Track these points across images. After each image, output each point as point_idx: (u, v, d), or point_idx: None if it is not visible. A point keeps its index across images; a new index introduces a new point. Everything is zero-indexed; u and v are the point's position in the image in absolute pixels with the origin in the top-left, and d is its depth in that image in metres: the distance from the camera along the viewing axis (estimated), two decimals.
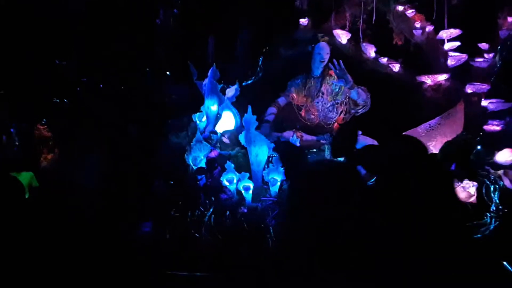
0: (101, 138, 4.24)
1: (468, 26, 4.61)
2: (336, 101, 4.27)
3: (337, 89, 4.27)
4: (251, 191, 3.14)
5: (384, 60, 5.02)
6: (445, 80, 4.70)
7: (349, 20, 5.22)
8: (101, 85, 4.59)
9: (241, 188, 3.15)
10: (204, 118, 4.26)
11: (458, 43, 4.75)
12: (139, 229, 3.16)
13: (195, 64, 4.48)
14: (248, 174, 3.18)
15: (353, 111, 4.21)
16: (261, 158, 3.33)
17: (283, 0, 5.09)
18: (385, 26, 5.06)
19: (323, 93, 4.30)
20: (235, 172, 3.25)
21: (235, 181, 3.21)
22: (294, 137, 3.51)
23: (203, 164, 3.29)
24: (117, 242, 3.08)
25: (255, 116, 3.30)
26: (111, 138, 4.25)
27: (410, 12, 4.81)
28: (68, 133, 4.22)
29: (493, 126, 3.83)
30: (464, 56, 4.61)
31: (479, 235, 2.72)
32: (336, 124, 4.27)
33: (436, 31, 4.78)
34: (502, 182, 3.09)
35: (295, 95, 4.34)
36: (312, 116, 4.30)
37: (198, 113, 4.32)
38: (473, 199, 3.02)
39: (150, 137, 4.33)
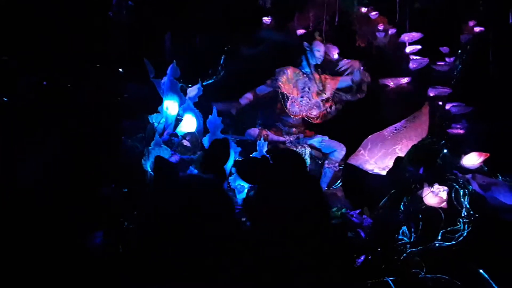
0: (43, 140, 3.82)
1: (430, 29, 4.62)
2: (321, 98, 4.23)
3: (321, 87, 4.25)
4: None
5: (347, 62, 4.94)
6: (407, 83, 4.69)
7: (312, 21, 5.11)
8: (45, 82, 4.18)
9: None
10: (163, 120, 3.96)
11: (419, 47, 4.77)
12: (88, 241, 2.82)
13: (152, 62, 4.16)
14: None
15: (348, 97, 4.22)
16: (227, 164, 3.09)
17: None
18: (348, 27, 5.00)
19: (309, 89, 4.22)
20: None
21: None
22: (262, 141, 3.29)
23: None
24: (60, 254, 2.74)
25: (220, 118, 3.06)
26: (54, 140, 3.84)
27: (373, 14, 4.76)
28: (6, 133, 3.78)
29: (457, 130, 3.84)
30: (425, 60, 4.63)
31: (453, 242, 2.64)
32: (318, 120, 4.19)
33: (399, 34, 4.76)
34: (471, 187, 3.04)
35: (282, 84, 4.17)
36: (296, 109, 4.20)
37: (155, 114, 4.02)
38: (444, 204, 2.95)
39: (99, 139, 3.97)
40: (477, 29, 4.39)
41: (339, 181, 4.41)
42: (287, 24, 5.16)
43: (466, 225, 2.74)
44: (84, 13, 4.00)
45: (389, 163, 3.96)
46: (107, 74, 4.50)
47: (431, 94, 4.44)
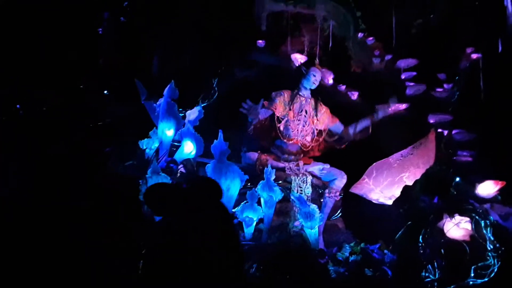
0: (20, 170, 3.43)
1: (426, 56, 4.58)
2: (316, 127, 4.07)
3: (319, 115, 4.06)
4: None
5: (342, 87, 4.83)
6: (405, 109, 4.58)
7: (307, 45, 5.00)
8: (18, 105, 3.83)
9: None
10: (155, 145, 3.65)
11: (414, 73, 4.71)
12: None
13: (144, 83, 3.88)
14: None
15: (332, 142, 4.08)
16: (232, 193, 2.80)
17: (241, 19, 4.71)
18: (344, 53, 4.91)
19: (306, 113, 4.02)
20: None
21: None
22: (269, 168, 3.02)
23: None
24: None
25: (227, 143, 2.78)
26: (33, 169, 3.46)
27: (369, 40, 4.68)
28: None
29: (464, 157, 3.72)
30: (423, 86, 4.56)
31: (486, 279, 2.43)
32: (314, 151, 4.00)
33: (395, 60, 4.70)
34: (492, 217, 2.87)
35: (278, 105, 3.96)
36: (291, 132, 3.97)
37: (146, 139, 3.71)
38: (467, 236, 2.75)
39: (84, 167, 3.61)
40: (474, 55, 4.36)
41: (339, 211, 4.17)
42: (281, 47, 5.02)
43: (495, 259, 2.53)
44: (70, 28, 3.70)
45: (396, 192, 3.78)
46: (90, 96, 4.18)
47: (431, 121, 4.34)
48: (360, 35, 4.69)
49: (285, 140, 4.05)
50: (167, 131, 3.25)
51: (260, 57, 4.95)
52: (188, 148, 3.06)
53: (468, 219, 2.83)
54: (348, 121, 4.41)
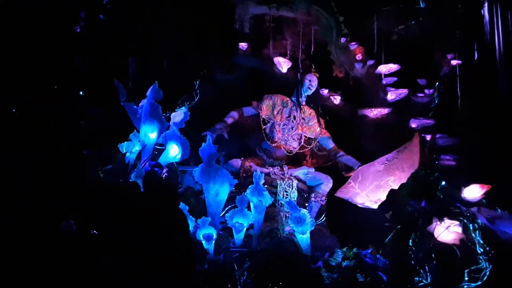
0: None
1: (408, 61, 4.63)
2: (304, 134, 4.04)
3: (309, 124, 4.08)
4: (213, 241, 2.45)
5: (325, 91, 4.82)
6: (387, 114, 4.61)
7: (290, 49, 4.96)
8: None
9: (201, 237, 2.45)
10: (136, 148, 3.49)
11: (395, 78, 4.75)
12: None
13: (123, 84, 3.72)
14: (209, 219, 2.50)
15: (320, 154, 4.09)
16: (221, 198, 2.70)
17: (223, 22, 4.62)
18: (326, 57, 4.90)
19: (294, 118, 3.99)
20: (190, 216, 2.55)
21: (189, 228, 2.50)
22: (258, 173, 2.93)
23: None
24: None
25: (216, 147, 2.67)
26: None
27: (352, 45, 4.69)
28: None
29: (448, 161, 3.76)
30: (404, 91, 4.61)
31: (479, 282, 2.42)
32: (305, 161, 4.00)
33: (377, 65, 4.73)
34: (479, 221, 2.87)
35: (265, 107, 3.98)
36: (275, 135, 3.95)
37: (125, 142, 3.54)
38: (457, 240, 2.74)
39: (58, 171, 3.41)
40: (454, 62, 4.43)
41: (323, 215, 4.13)
42: (264, 51, 4.96)
43: (487, 263, 2.53)
44: (46, 26, 3.50)
45: (382, 196, 3.76)
46: (65, 96, 3.98)
47: (413, 126, 4.38)
48: (342, 39, 4.69)
49: (269, 143, 4.00)
50: (150, 133, 3.10)
51: (242, 60, 4.87)
52: (174, 152, 2.93)
53: (457, 222, 2.82)
54: (330, 126, 4.42)
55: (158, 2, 4.14)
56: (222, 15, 4.67)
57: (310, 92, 4.04)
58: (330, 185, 4.00)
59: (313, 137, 4.08)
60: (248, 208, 2.79)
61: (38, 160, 3.44)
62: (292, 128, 4.05)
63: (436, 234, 2.83)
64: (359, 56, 4.76)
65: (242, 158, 3.85)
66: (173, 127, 2.99)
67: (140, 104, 3.24)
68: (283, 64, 4.85)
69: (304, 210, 2.82)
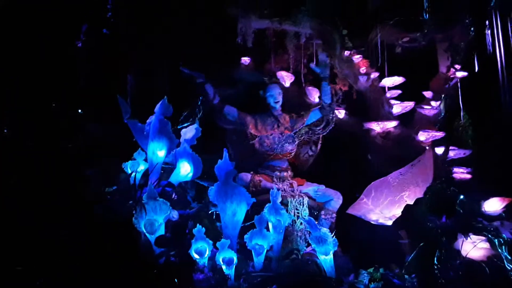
0: None
1: (412, 74, 4.58)
2: (294, 131, 3.95)
3: (294, 123, 3.95)
4: (234, 266, 2.29)
5: None
6: (394, 127, 4.53)
7: (292, 63, 4.87)
8: None
9: (220, 261, 2.28)
10: (141, 168, 3.33)
11: (399, 91, 4.69)
12: None
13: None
14: (228, 242, 2.33)
15: (320, 131, 3.97)
16: (238, 218, 2.54)
17: (225, 36, 4.51)
18: (330, 71, 4.81)
19: (278, 126, 3.93)
20: (207, 239, 2.38)
21: (207, 252, 2.33)
22: (275, 190, 2.78)
23: (162, 231, 2.34)
24: None
25: (233, 163, 2.53)
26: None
27: (356, 58, 4.62)
28: None
29: (462, 174, 3.67)
30: (410, 104, 4.53)
31: None
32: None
33: (381, 78, 4.66)
34: (504, 235, 2.77)
35: (251, 124, 3.90)
36: (267, 149, 3.84)
37: (130, 161, 3.40)
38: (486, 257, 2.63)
39: (56, 191, 3.25)
40: (459, 74, 4.40)
41: (333, 233, 3.98)
42: (266, 65, 4.87)
43: None
44: (45, 39, 3.35)
45: (397, 211, 3.64)
46: (63, 115, 3.83)
47: (422, 138, 4.30)
48: (346, 53, 4.62)
49: (265, 156, 3.87)
50: (159, 151, 2.94)
51: (244, 75, 4.77)
52: (185, 170, 2.77)
53: (484, 238, 2.71)
54: (335, 140, 4.32)
55: (160, 16, 4.03)
56: (224, 30, 4.57)
57: (279, 103, 3.95)
58: (340, 201, 3.87)
59: (301, 127, 3.99)
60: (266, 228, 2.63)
61: (33, 180, 3.27)
62: (281, 134, 3.94)
63: (462, 250, 2.72)
64: (363, 69, 4.68)
65: (252, 172, 3.72)
66: (184, 144, 2.84)
67: (147, 121, 3.09)
68: (286, 79, 4.76)
69: (325, 229, 2.67)
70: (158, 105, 2.94)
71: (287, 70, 4.81)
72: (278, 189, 3.64)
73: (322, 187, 3.88)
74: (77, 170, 3.44)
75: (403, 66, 4.68)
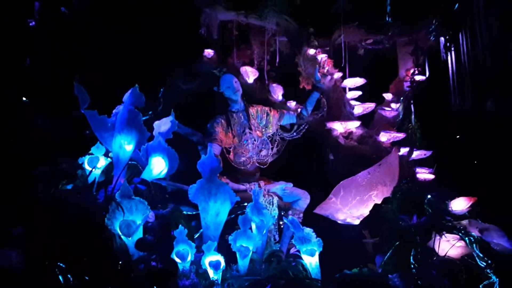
0: None
1: (374, 75, 4.67)
2: (267, 134, 3.77)
3: (264, 122, 3.79)
4: (222, 269, 2.10)
5: (292, 104, 4.68)
6: (356, 127, 4.58)
7: (256, 58, 4.76)
8: None
9: (207, 265, 2.09)
10: (102, 163, 3.02)
11: (360, 92, 4.76)
12: None
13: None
14: (215, 244, 2.15)
15: (287, 136, 3.81)
16: (222, 218, 2.36)
17: (188, 26, 4.28)
18: (294, 68, 4.77)
19: (250, 129, 3.65)
20: (189, 241, 2.18)
21: (189, 256, 2.13)
22: (256, 188, 2.64)
23: (140, 233, 2.10)
24: None
25: (218, 160, 2.34)
26: None
27: (322, 57, 4.61)
28: None
29: (426, 174, 3.77)
30: (372, 105, 4.61)
31: None
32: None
33: (344, 78, 4.70)
34: (474, 233, 2.87)
35: (222, 136, 3.52)
36: (243, 159, 3.65)
37: (88, 156, 3.07)
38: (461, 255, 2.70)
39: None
40: (418, 77, 4.55)
41: None
42: (229, 59, 4.71)
43: (494, 276, 2.50)
44: None
45: (365, 211, 3.66)
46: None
47: (383, 139, 4.38)
48: (311, 51, 4.59)
49: (241, 168, 3.69)
50: (127, 145, 2.66)
51: (206, 68, 4.57)
52: (160, 166, 2.52)
53: (458, 237, 2.78)
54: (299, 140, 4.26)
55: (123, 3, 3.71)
56: (188, 19, 4.33)
57: (240, 90, 3.67)
58: (308, 201, 3.82)
59: (274, 131, 3.83)
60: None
61: None
62: (254, 140, 3.76)
63: (439, 249, 2.76)
64: (326, 69, 4.68)
65: (218, 175, 3.51)
66: (158, 138, 2.58)
67: (114, 111, 2.78)
68: (250, 74, 4.63)
69: (309, 229, 2.57)
70: (127, 94, 2.65)
71: (251, 65, 4.69)
72: (246, 190, 3.50)
73: (290, 185, 3.80)
74: (24, 167, 3.05)
75: (364, 67, 4.76)
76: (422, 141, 4.36)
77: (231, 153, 3.56)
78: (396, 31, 4.27)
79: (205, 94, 4.47)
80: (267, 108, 3.85)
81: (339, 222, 3.80)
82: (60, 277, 2.19)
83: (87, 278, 2.11)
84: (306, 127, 3.84)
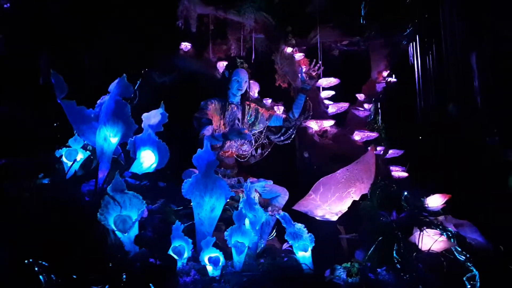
0: None
1: (348, 76, 4.78)
2: (254, 131, 3.70)
3: (253, 119, 3.71)
4: (221, 265, 2.06)
5: (268, 101, 4.69)
6: (330, 126, 4.67)
7: (233, 54, 4.71)
8: None
9: (206, 261, 2.03)
10: (80, 156, 2.86)
11: (333, 92, 4.86)
12: None
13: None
14: (214, 239, 2.09)
15: (275, 139, 3.71)
16: (216, 213, 2.31)
17: (166, 18, 4.16)
18: (270, 66, 4.78)
19: (239, 121, 3.63)
20: (185, 237, 2.11)
21: (186, 254, 2.07)
22: (248, 184, 2.60)
23: (136, 229, 2.00)
24: None
25: (214, 153, 2.28)
26: None
27: (299, 56, 4.65)
28: None
29: (399, 172, 3.91)
30: (346, 105, 4.72)
31: None
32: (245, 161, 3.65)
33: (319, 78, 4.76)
34: (451, 229, 3.01)
35: (212, 114, 3.49)
36: (224, 144, 3.54)
37: (65, 148, 2.90)
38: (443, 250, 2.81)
39: None
40: (389, 79, 4.71)
41: (274, 230, 3.92)
42: (205, 54, 4.63)
43: (475, 269, 2.63)
44: None
45: (343, 207, 3.73)
46: None
47: (357, 138, 4.50)
48: (288, 50, 4.61)
49: (221, 153, 3.64)
50: (112, 138, 2.53)
51: (182, 62, 4.46)
52: (149, 160, 2.41)
53: (438, 232, 2.89)
54: None
55: None
56: (164, 14, 4.21)
57: (243, 90, 3.62)
58: (287, 197, 3.81)
59: (262, 129, 3.74)
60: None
61: None
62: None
63: (422, 244, 2.86)
64: (302, 67, 4.71)
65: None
66: (148, 130, 2.47)
67: (98, 101, 2.64)
68: None
69: (300, 224, 2.57)
70: (113, 84, 2.52)
71: (227, 59, 4.63)
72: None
73: (270, 182, 3.77)
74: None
75: (338, 67, 4.86)
76: (388, 141, 4.50)
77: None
78: (372, 33, 4.38)
79: (180, 88, 4.38)
80: (258, 107, 3.80)
81: (317, 218, 3.83)
82: (41, 277, 2.04)
83: (74, 276, 1.98)
84: (294, 131, 3.78)
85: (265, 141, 3.87)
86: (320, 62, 4.22)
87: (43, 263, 2.04)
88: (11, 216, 2.31)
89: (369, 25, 4.40)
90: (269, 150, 3.91)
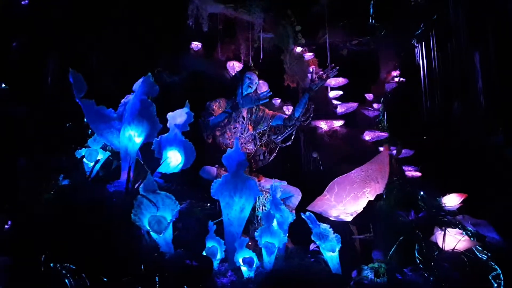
0: None
1: (356, 76, 4.79)
2: (257, 130, 3.69)
3: (257, 118, 3.72)
4: (256, 266, 2.03)
5: (278, 101, 4.67)
6: (340, 126, 4.67)
7: (243, 54, 4.69)
8: None
9: (240, 262, 2.00)
10: (100, 156, 2.81)
11: (341, 92, 4.86)
12: None
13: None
14: (247, 240, 2.07)
15: (276, 139, 3.68)
16: (245, 214, 2.28)
17: (175, 20, 4.12)
18: (280, 65, 4.76)
19: (243, 118, 3.62)
20: (217, 238, 2.08)
21: (219, 254, 2.04)
22: (273, 184, 2.58)
23: (170, 230, 1.96)
24: None
25: (244, 153, 2.25)
26: None
27: (308, 56, 4.64)
28: None
29: (413, 172, 3.92)
30: (354, 105, 4.72)
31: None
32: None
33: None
34: (470, 228, 3.02)
35: (215, 112, 3.50)
36: (228, 141, 3.54)
37: (85, 149, 2.86)
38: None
39: None
40: (397, 79, 4.73)
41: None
42: (215, 54, 4.60)
43: (498, 267, 2.64)
44: None
45: (358, 207, 3.72)
46: None
47: (367, 138, 4.50)
48: (298, 49, 4.60)
49: (223, 148, 3.63)
50: (137, 137, 2.49)
51: (192, 62, 4.42)
52: (176, 160, 2.38)
53: (460, 231, 2.90)
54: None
55: None
56: (174, 13, 4.17)
57: (251, 90, 3.67)
58: (300, 197, 3.80)
59: (266, 128, 3.72)
60: None
61: None
62: (244, 130, 3.71)
63: (444, 243, 2.86)
64: (311, 67, 4.72)
65: (217, 166, 3.43)
66: (175, 130, 2.43)
67: (122, 100, 2.59)
68: (236, 69, 4.55)
69: (326, 225, 2.56)
70: (138, 83, 2.48)
71: (238, 60, 4.61)
72: None
73: (284, 183, 3.76)
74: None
75: (347, 67, 4.85)
76: (392, 140, 4.51)
77: (218, 132, 3.50)
78: (382, 33, 4.39)
79: (189, 88, 4.34)
80: (264, 108, 3.80)
81: (331, 219, 3.82)
82: (66, 281, 2.00)
83: (105, 279, 1.94)
84: (293, 131, 3.75)
85: (272, 145, 3.85)
86: (333, 65, 4.21)
87: (71, 266, 2.00)
88: (38, 219, 2.26)
89: (379, 25, 4.40)
90: (275, 153, 3.89)
